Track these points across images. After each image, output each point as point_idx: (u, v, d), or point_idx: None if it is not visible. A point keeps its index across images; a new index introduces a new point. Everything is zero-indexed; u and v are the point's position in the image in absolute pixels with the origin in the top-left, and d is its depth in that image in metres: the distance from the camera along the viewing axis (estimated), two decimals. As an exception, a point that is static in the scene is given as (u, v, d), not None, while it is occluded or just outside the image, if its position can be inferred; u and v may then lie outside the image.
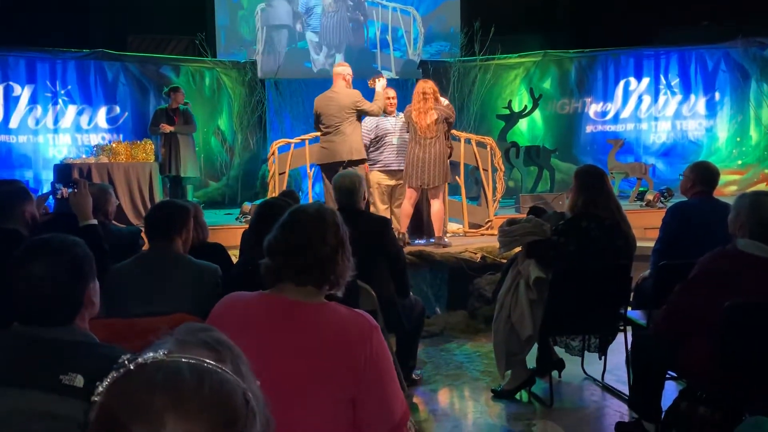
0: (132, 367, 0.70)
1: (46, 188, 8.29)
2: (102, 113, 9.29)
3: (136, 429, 0.65)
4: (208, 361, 0.72)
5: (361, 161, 5.77)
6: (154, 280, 2.53)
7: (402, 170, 6.13)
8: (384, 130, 6.07)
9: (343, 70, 5.97)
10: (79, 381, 1.38)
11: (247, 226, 6.40)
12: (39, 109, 8.96)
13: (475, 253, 5.64)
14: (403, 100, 6.97)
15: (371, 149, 6.07)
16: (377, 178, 6.07)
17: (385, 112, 6.06)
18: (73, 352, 1.45)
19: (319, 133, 6.27)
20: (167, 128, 7.34)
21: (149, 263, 2.62)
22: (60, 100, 9.08)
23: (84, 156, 8.21)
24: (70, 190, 2.90)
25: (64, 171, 7.02)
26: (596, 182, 3.43)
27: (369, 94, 6.13)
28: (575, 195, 3.43)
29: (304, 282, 1.61)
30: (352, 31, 10.69)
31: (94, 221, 2.89)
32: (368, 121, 6.05)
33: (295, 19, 10.53)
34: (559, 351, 3.90)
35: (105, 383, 0.70)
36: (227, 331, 0.87)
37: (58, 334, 1.48)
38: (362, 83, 6.42)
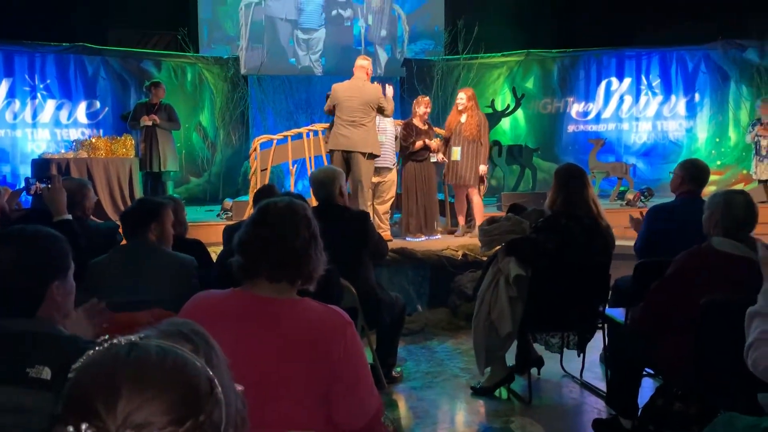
0: (105, 346, 0.73)
1: (23, 183, 8.19)
2: (82, 108, 9.19)
3: (95, 401, 0.67)
4: (177, 346, 0.74)
5: (376, 156, 5.78)
6: (131, 274, 2.51)
7: (387, 168, 6.17)
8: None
9: (367, 63, 5.91)
10: (46, 373, 1.36)
11: (228, 222, 6.38)
12: (17, 103, 8.84)
13: (457, 251, 5.66)
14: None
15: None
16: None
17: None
18: (39, 345, 1.42)
19: (315, 127, 6.28)
20: (148, 120, 7.25)
21: (125, 257, 2.60)
22: (39, 95, 8.97)
23: (63, 151, 8.11)
24: (44, 185, 2.86)
25: (42, 166, 6.93)
26: (576, 181, 3.44)
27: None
28: (555, 193, 3.44)
29: (278, 278, 1.59)
30: (340, 29, 10.68)
31: (68, 216, 2.85)
32: None
33: (282, 15, 10.48)
34: (539, 348, 3.92)
35: (81, 360, 0.72)
36: None
37: (24, 326, 1.45)
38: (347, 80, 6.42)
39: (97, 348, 0.73)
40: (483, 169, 6.28)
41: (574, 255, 3.34)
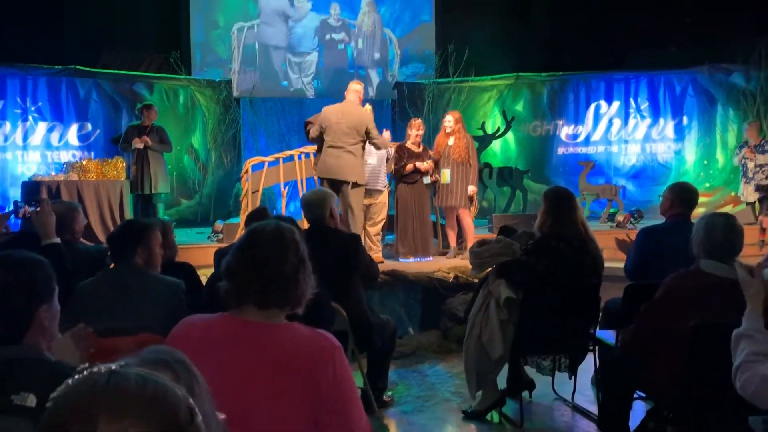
0: (85, 374, 0.73)
1: (12, 206, 8.13)
2: (73, 130, 9.18)
3: (73, 430, 0.67)
4: (158, 374, 0.74)
5: (360, 185, 5.73)
6: (118, 297, 2.49)
7: (378, 190, 6.20)
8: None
9: (360, 88, 5.91)
10: (31, 400, 1.34)
11: (219, 244, 6.36)
12: (8, 125, 8.83)
13: (448, 273, 5.65)
14: (378, 120, 7.05)
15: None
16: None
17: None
18: (24, 371, 1.41)
19: (308, 149, 6.29)
20: (140, 142, 7.26)
21: (112, 280, 2.58)
22: (30, 117, 8.96)
23: (53, 173, 8.09)
24: (32, 208, 2.85)
25: (32, 188, 6.90)
26: (564, 203, 3.47)
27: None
28: (544, 215, 3.47)
29: (266, 304, 1.58)
30: (333, 53, 10.78)
31: (57, 240, 2.83)
32: None
33: (274, 39, 10.58)
34: (531, 371, 3.91)
35: (59, 389, 0.72)
36: (186, 353, 0.88)
37: (9, 352, 1.44)
38: (339, 102, 6.46)
39: (76, 376, 0.72)
40: (472, 189, 6.33)
41: (565, 277, 3.35)
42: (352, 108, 5.71)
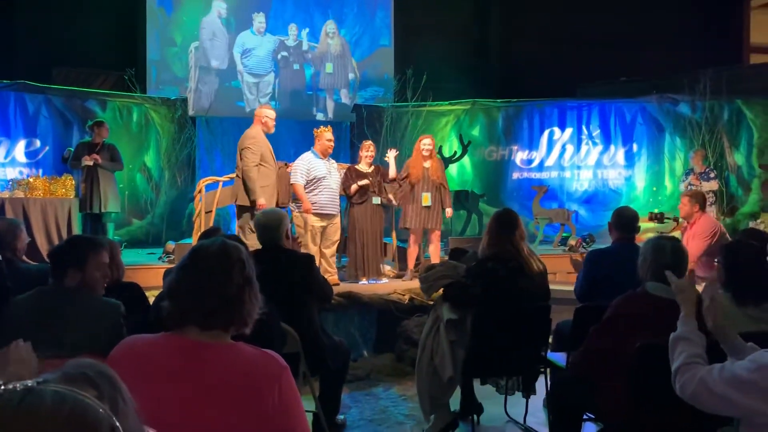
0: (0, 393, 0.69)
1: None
2: (21, 146, 8.90)
3: None
4: (76, 390, 0.70)
5: (246, 208, 5.72)
6: (51, 315, 2.39)
7: (334, 214, 6.16)
8: (319, 172, 6.03)
9: (260, 111, 5.98)
10: None
11: (170, 265, 6.21)
12: (-50, 140, 8.51)
13: (404, 295, 5.64)
14: (338, 142, 7.06)
15: (306, 191, 6.04)
16: (310, 219, 6.02)
17: (322, 155, 6.09)
18: None
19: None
20: (89, 160, 7.07)
21: (46, 298, 2.47)
22: (-26, 132, 8.66)
23: (-2, 190, 7.81)
24: (-31, 224, 2.73)
25: (-27, 205, 6.64)
26: (502, 226, 3.51)
27: (309, 139, 6.30)
28: (485, 237, 3.53)
29: (210, 326, 1.54)
30: (291, 74, 10.78)
31: (-4, 257, 2.72)
32: (300, 164, 6.05)
33: (230, 58, 10.52)
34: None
35: None
36: (126, 374, 0.85)
37: None
38: (298, 124, 6.45)
39: None
40: (449, 211, 6.47)
41: (501, 298, 3.37)
42: (247, 132, 5.85)
